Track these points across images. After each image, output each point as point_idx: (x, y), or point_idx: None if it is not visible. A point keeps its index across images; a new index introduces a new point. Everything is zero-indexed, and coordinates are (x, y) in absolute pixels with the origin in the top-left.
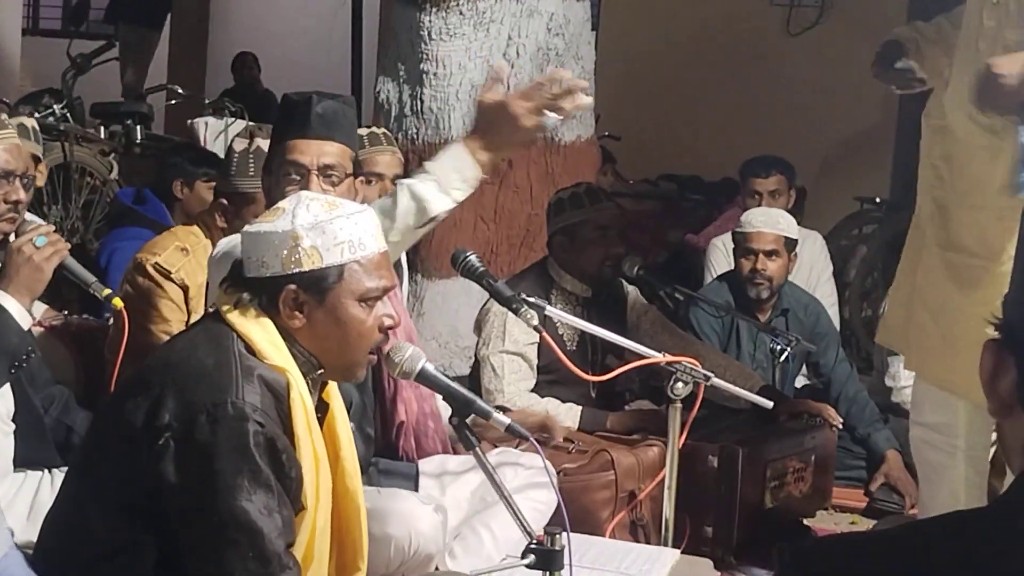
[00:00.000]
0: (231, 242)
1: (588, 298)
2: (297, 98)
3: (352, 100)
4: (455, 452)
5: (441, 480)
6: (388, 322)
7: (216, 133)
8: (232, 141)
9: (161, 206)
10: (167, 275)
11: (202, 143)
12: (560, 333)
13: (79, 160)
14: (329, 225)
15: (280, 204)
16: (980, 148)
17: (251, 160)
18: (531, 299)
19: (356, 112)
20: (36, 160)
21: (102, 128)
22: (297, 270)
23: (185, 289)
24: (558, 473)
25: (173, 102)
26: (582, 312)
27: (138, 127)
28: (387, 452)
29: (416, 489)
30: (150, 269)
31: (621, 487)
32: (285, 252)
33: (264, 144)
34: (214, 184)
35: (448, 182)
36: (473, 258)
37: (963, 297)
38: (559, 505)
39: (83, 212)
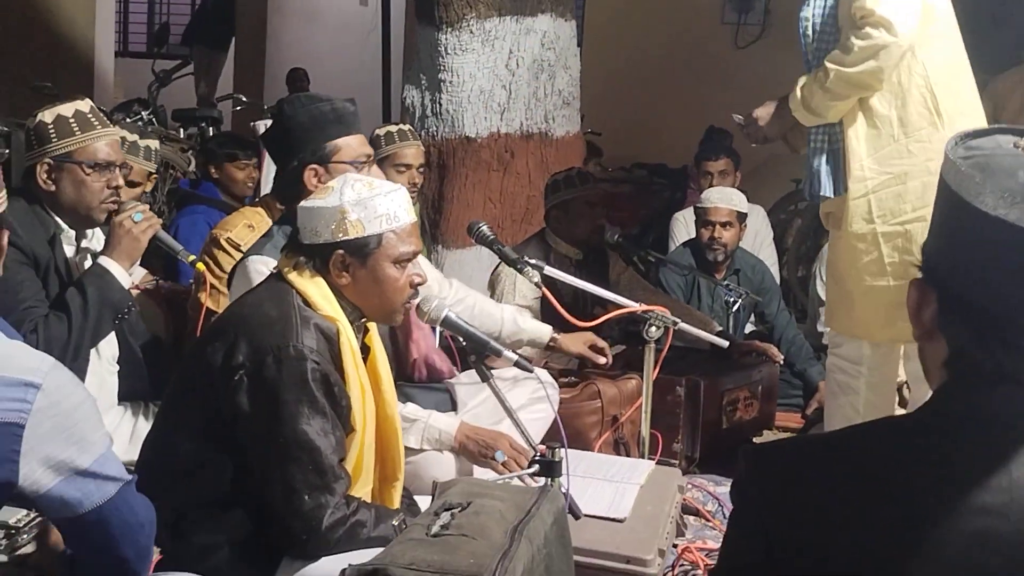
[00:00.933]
0: (258, 270)
1: (579, 260)
2: (322, 108)
3: (354, 100)
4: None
5: (472, 388)
6: (417, 280)
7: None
8: (257, 125)
9: (211, 187)
10: (237, 247)
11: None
12: (558, 288)
13: (164, 156)
14: (370, 201)
15: (329, 184)
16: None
17: None
18: (533, 261)
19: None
20: (149, 174)
21: (181, 130)
22: (344, 238)
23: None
24: None
25: (238, 108)
26: (574, 272)
27: (210, 129)
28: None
29: (453, 404)
30: (223, 242)
31: (606, 412)
32: (334, 224)
33: None
34: (242, 163)
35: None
36: (485, 228)
37: (850, 266)
38: (557, 423)
39: (168, 198)
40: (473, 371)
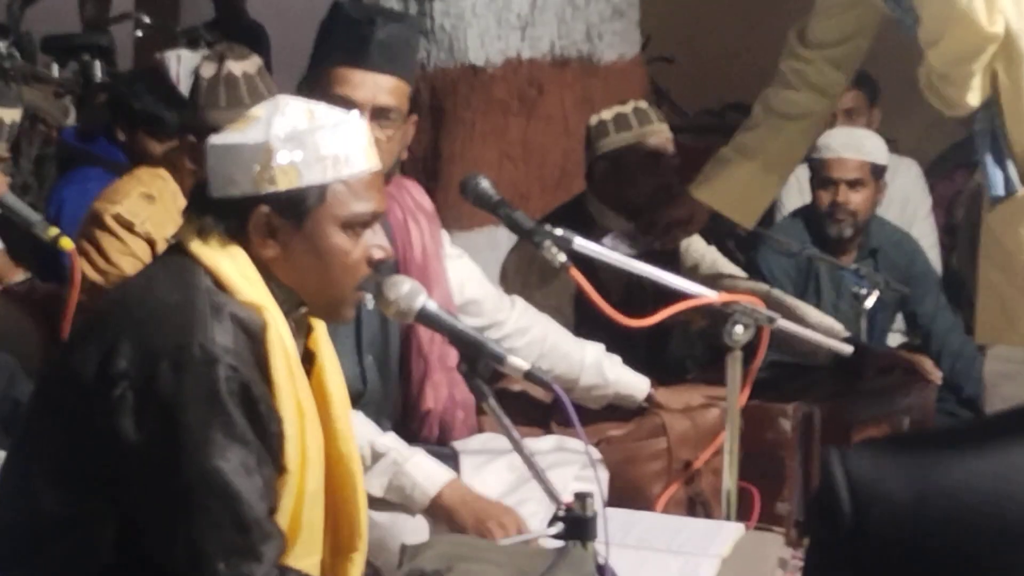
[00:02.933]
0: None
1: (636, 236)
2: (356, 15)
3: (416, 23)
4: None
5: (484, 458)
6: (378, 253)
7: (191, 69)
8: (199, 66)
9: (111, 146)
10: (130, 227)
11: (174, 80)
12: (603, 281)
13: (29, 104)
14: (310, 137)
15: (252, 111)
16: None
17: (223, 89)
18: (557, 231)
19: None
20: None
21: (55, 66)
22: (271, 190)
23: (151, 243)
24: (597, 444)
25: (140, 34)
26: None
27: (97, 63)
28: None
29: (457, 471)
30: (109, 221)
31: (675, 456)
32: (257, 168)
33: (238, 68)
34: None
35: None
36: (486, 184)
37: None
38: (595, 473)
39: (36, 167)
40: (489, 435)
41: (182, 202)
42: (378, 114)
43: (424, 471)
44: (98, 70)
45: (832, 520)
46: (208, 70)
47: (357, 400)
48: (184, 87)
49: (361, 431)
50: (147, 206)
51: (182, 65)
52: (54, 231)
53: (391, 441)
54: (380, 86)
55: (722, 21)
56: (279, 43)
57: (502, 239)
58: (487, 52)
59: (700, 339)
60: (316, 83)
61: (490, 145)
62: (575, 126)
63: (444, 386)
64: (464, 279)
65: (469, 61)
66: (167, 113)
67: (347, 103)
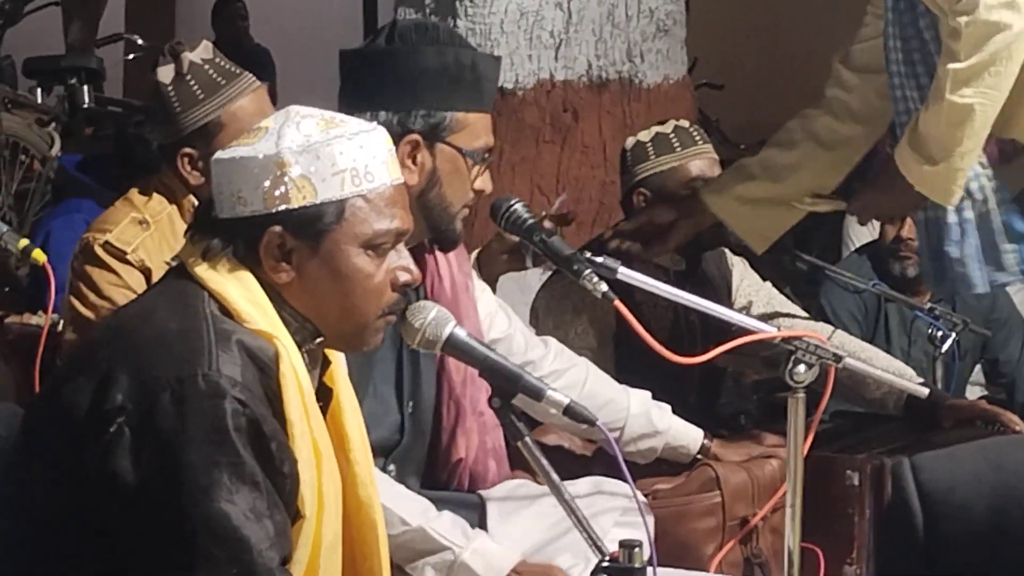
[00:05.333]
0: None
1: (680, 272)
2: (459, 56)
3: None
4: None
5: (512, 505)
6: (404, 277)
7: None
8: (156, 74)
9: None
10: (121, 256)
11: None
12: (647, 319)
13: (9, 132)
14: (325, 148)
15: (262, 123)
16: None
17: (191, 81)
18: (600, 259)
19: None
20: None
21: (39, 91)
22: (283, 207)
23: (146, 273)
24: (647, 495)
25: (132, 56)
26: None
27: (84, 88)
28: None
29: (482, 523)
30: (99, 250)
31: (730, 512)
32: (268, 183)
33: (195, 56)
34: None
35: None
36: (519, 207)
37: None
38: (642, 519)
39: (17, 201)
40: (518, 481)
41: (180, 226)
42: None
43: (484, 562)
44: (86, 95)
45: (904, 532)
46: (167, 73)
47: (390, 452)
48: None
49: (408, 505)
50: (140, 232)
51: None
52: (24, 242)
53: (442, 525)
54: (489, 126)
55: (777, 44)
56: (283, 67)
57: (532, 282)
58: (517, 73)
59: (755, 392)
60: (434, 129)
61: (520, 176)
62: (613, 155)
63: (476, 433)
64: (491, 315)
65: (499, 84)
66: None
67: (484, 152)
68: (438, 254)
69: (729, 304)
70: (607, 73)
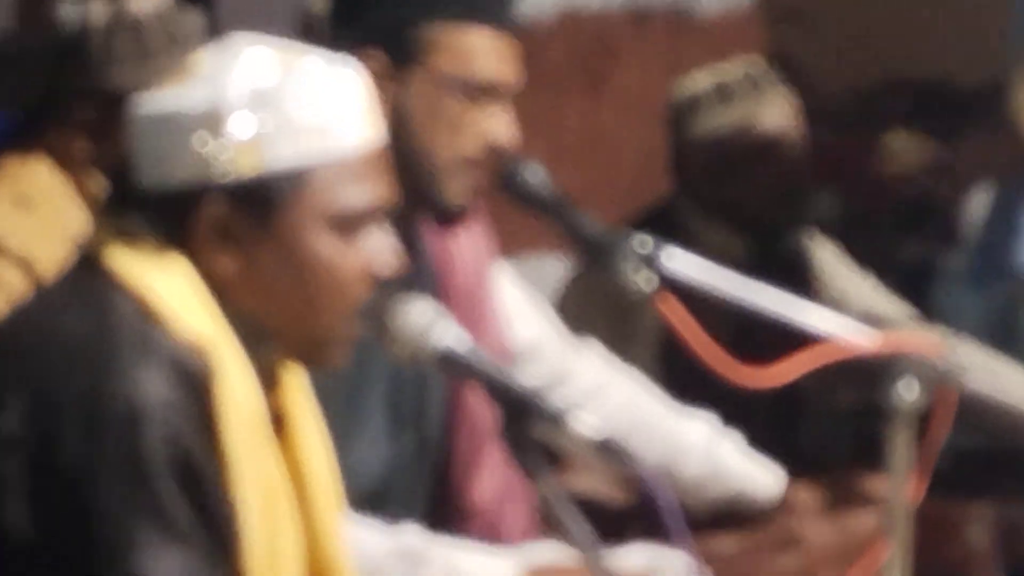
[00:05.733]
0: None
1: (746, 259)
2: None
3: None
4: None
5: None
6: (384, 266)
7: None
8: (85, 9)
9: None
10: None
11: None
12: (703, 322)
13: None
14: (282, 97)
15: (193, 61)
16: None
17: (123, 37)
18: (644, 241)
19: None
20: None
21: None
22: (226, 176)
23: (27, 266)
24: (706, 559)
25: None
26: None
27: None
28: None
29: None
30: None
31: None
32: (207, 145)
33: (142, 5)
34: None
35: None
36: (538, 173)
37: None
38: None
39: None
40: (553, 542)
41: (75, 206)
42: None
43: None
44: None
45: None
46: (99, 13)
47: (382, 496)
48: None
49: (370, 539)
50: (21, 216)
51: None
52: None
53: (415, 538)
54: (512, 51)
55: None
56: None
57: (552, 271)
58: (535, 2)
59: (848, 421)
60: (400, 48)
61: (539, 134)
62: (663, 107)
63: (499, 474)
64: (517, 312)
65: None
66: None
67: (485, 85)
68: (452, 230)
69: (811, 296)
70: (652, 2)
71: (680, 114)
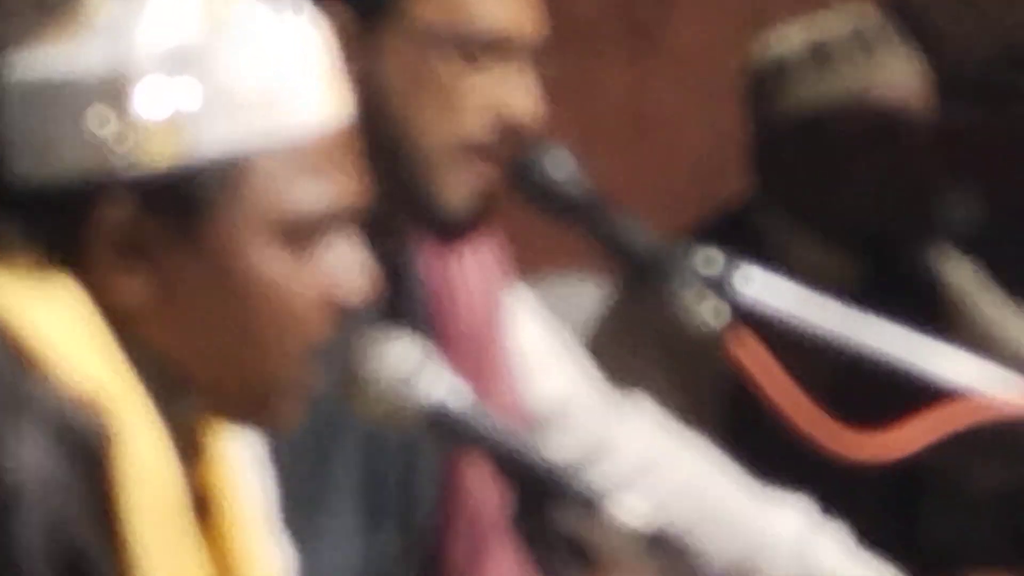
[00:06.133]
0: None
1: (855, 283)
2: None
3: None
4: None
5: None
6: (352, 284)
7: None
8: None
9: None
10: None
11: None
12: (792, 366)
13: None
14: (210, 57)
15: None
16: None
17: None
18: (704, 257)
19: None
20: None
21: None
22: (135, 168)
23: None
24: None
25: None
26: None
27: None
28: None
29: None
30: None
31: None
32: (106, 125)
33: None
34: None
35: None
36: (567, 164)
37: None
38: None
39: None
40: None
41: None
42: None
43: None
44: None
45: None
46: None
47: None
48: None
49: None
50: None
51: None
52: None
53: None
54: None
55: None
56: None
57: (583, 296)
58: None
59: (989, 510)
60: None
61: (567, 110)
62: (725, 74)
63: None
64: (538, 357)
65: None
66: None
67: (493, 43)
68: (458, 254)
69: (941, 330)
70: None
71: (762, 84)
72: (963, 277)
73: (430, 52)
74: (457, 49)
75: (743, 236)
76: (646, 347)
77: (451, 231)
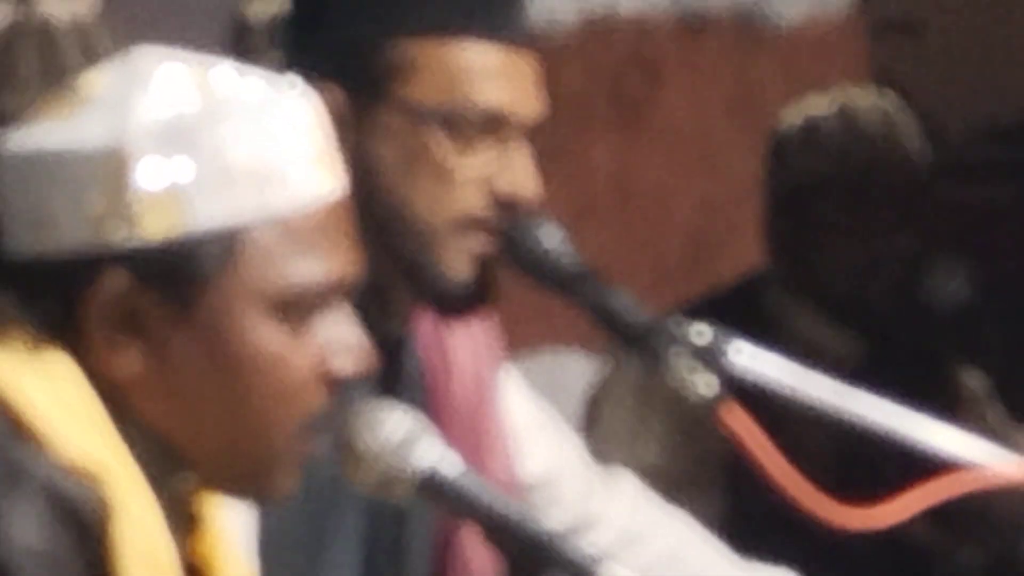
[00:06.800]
0: None
1: (853, 358)
2: None
3: None
4: None
5: None
6: (346, 358)
7: None
8: None
9: None
10: None
11: None
12: (791, 439)
13: None
14: (207, 132)
15: (87, 82)
16: None
17: (30, 50)
18: (696, 331)
19: None
20: None
21: None
22: (132, 241)
23: None
24: None
25: None
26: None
27: None
28: None
29: None
30: None
31: None
32: (102, 198)
33: (58, 10)
34: None
35: None
36: (557, 237)
37: None
38: None
39: None
40: None
41: None
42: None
43: None
44: None
45: None
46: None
47: None
48: None
49: None
50: None
51: None
52: None
53: None
54: (528, 71)
55: None
56: None
57: (573, 369)
58: (549, 6)
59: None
60: (358, 72)
61: (558, 182)
62: (730, 147)
63: None
64: (528, 435)
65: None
66: None
67: (486, 117)
68: (451, 329)
69: (945, 402)
70: (711, 6)
71: (777, 161)
72: (975, 382)
73: (422, 130)
74: (450, 128)
75: (748, 311)
76: (641, 416)
77: (452, 302)
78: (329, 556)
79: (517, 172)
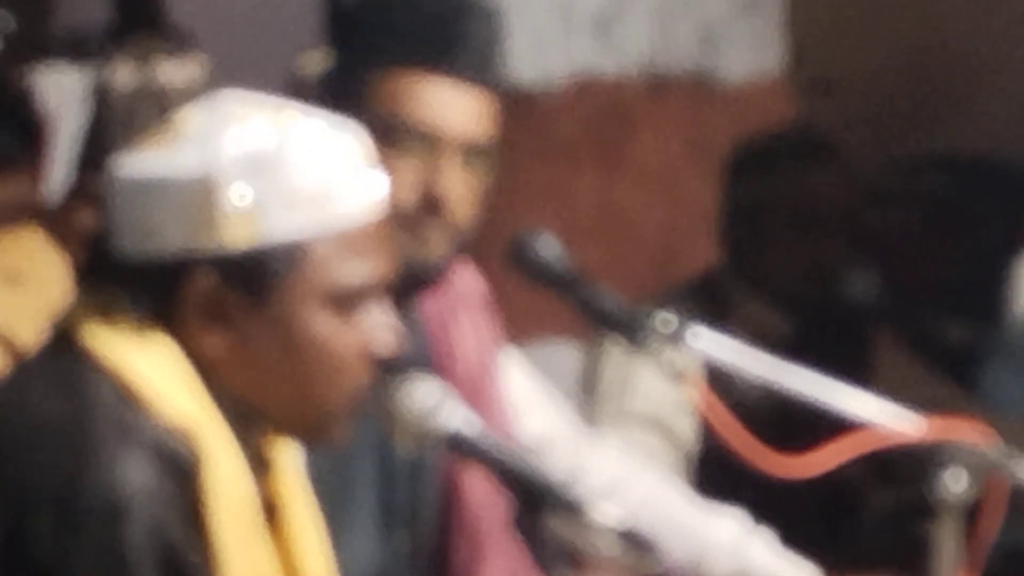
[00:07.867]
0: None
1: (791, 337)
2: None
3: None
4: None
5: None
6: (385, 344)
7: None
8: (108, 73)
9: None
10: None
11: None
12: (743, 406)
13: None
14: (279, 162)
15: (179, 120)
16: None
17: (148, 109)
18: (668, 317)
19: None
20: None
21: None
22: (218, 248)
23: (7, 344)
24: None
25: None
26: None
27: None
28: None
29: None
30: None
31: None
32: (195, 213)
33: (172, 77)
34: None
35: None
36: (551, 246)
37: None
38: None
39: None
40: None
41: (68, 281)
42: (472, 151)
43: None
44: None
45: None
46: (126, 78)
47: None
48: (63, 117)
49: None
50: (7, 292)
51: (61, 90)
52: None
53: None
54: (473, 104)
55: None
56: (211, 55)
57: (564, 359)
58: (544, 67)
59: (893, 519)
60: (352, 95)
61: (548, 212)
62: (683, 182)
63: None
64: (525, 400)
65: (518, 81)
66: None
67: (425, 136)
68: (459, 315)
69: (861, 377)
70: (672, 66)
71: (731, 179)
72: (884, 345)
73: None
74: (396, 139)
75: (708, 298)
76: (631, 370)
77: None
78: (353, 496)
79: (447, 178)
